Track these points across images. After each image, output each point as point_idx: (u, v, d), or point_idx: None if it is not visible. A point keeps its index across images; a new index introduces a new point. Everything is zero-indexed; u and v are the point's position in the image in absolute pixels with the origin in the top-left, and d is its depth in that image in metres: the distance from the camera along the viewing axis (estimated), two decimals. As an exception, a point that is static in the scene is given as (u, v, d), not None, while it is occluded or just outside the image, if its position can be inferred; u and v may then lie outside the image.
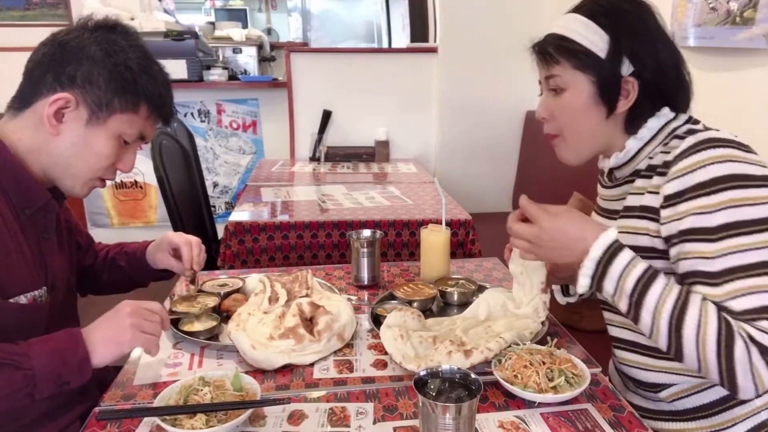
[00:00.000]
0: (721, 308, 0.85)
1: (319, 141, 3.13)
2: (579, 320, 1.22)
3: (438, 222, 1.49)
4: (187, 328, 1.18)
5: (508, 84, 3.19)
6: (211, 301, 1.28)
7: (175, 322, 1.20)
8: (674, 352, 0.86)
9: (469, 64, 3.16)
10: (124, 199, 3.77)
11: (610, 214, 1.08)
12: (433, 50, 3.22)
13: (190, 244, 1.33)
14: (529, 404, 0.95)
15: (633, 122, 1.01)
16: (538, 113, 1.07)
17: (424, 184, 2.58)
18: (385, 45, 5.90)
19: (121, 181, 3.73)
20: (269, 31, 6.52)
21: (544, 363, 0.98)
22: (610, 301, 0.93)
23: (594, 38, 0.97)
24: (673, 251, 0.92)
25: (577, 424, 0.89)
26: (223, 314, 1.25)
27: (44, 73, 1.00)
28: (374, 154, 3.17)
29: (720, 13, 1.72)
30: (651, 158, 0.99)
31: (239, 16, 6.37)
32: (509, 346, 1.05)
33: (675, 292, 0.86)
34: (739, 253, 0.84)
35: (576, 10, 1.01)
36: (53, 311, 1.07)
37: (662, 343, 0.87)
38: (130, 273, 1.39)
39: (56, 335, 0.95)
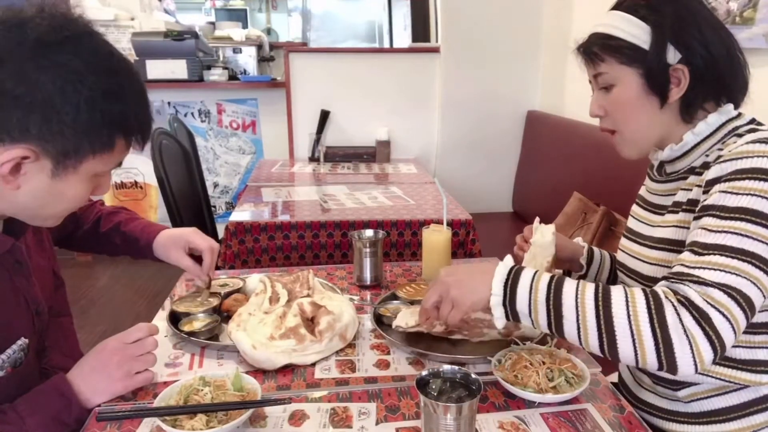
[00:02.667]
0: (677, 273, 0.83)
1: (317, 141, 3.13)
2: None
3: (439, 222, 1.49)
4: (187, 328, 1.18)
5: (509, 84, 3.20)
6: (212, 301, 1.28)
7: (176, 322, 1.20)
8: (607, 341, 0.81)
9: (470, 65, 3.16)
10: (124, 199, 3.77)
11: (657, 209, 1.06)
12: (435, 50, 3.23)
13: (212, 250, 1.30)
14: (529, 404, 0.95)
15: (688, 109, 0.98)
16: (592, 111, 1.06)
17: (425, 185, 2.58)
18: (386, 45, 5.90)
19: (121, 182, 3.73)
20: (269, 31, 6.53)
21: (544, 363, 0.98)
22: (529, 324, 0.89)
23: (636, 31, 0.96)
24: (692, 225, 0.91)
25: (577, 425, 0.90)
26: (223, 314, 1.25)
27: None
28: (375, 154, 3.17)
29: (720, 13, 1.72)
30: (707, 155, 0.97)
31: (239, 16, 6.38)
32: (515, 342, 1.06)
33: (591, 285, 0.85)
34: (740, 236, 0.82)
35: (616, 7, 1.01)
36: (42, 324, 1.03)
37: (592, 337, 0.82)
38: (125, 251, 1.33)
39: (46, 394, 0.91)
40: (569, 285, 0.86)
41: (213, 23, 5.38)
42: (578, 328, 0.84)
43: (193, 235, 1.31)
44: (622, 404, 0.95)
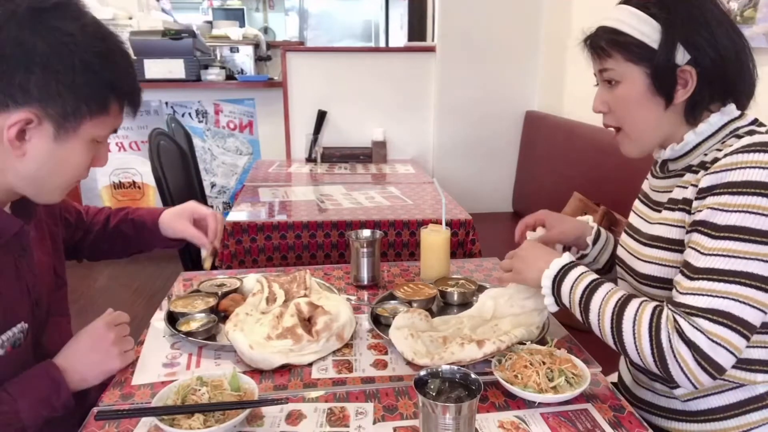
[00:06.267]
0: (674, 302, 0.88)
1: (314, 142, 3.12)
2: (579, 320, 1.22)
3: (438, 222, 1.48)
4: (184, 328, 1.18)
5: (507, 83, 3.19)
6: (209, 301, 1.28)
7: (173, 322, 1.19)
8: (620, 348, 0.92)
9: (467, 64, 3.15)
10: (122, 199, 3.76)
11: (655, 206, 1.06)
12: (431, 49, 3.22)
13: (216, 216, 1.34)
14: (529, 404, 0.94)
15: (693, 111, 0.97)
16: (595, 106, 1.05)
17: (424, 185, 2.57)
18: (383, 44, 5.91)
19: (120, 182, 3.72)
20: (266, 30, 6.52)
21: (544, 363, 0.98)
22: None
23: (645, 29, 0.94)
24: (686, 239, 0.93)
25: (577, 424, 0.89)
26: (220, 314, 1.24)
27: None
28: (371, 154, 3.16)
29: (719, 13, 1.72)
30: (706, 155, 0.96)
31: (237, 16, 6.38)
32: (520, 342, 1.05)
33: (617, 295, 0.94)
34: (729, 257, 0.84)
35: (627, 1, 0.98)
36: (40, 317, 1.04)
37: (611, 343, 0.94)
38: (137, 241, 1.37)
39: (37, 378, 0.93)
40: (599, 293, 0.95)
41: (210, 22, 5.37)
42: (601, 334, 0.96)
43: (195, 205, 1.38)
44: (622, 404, 0.95)
